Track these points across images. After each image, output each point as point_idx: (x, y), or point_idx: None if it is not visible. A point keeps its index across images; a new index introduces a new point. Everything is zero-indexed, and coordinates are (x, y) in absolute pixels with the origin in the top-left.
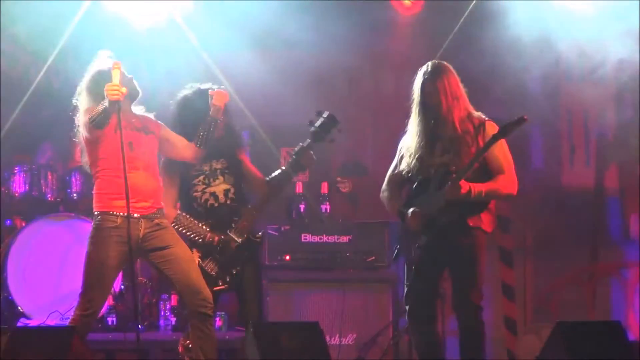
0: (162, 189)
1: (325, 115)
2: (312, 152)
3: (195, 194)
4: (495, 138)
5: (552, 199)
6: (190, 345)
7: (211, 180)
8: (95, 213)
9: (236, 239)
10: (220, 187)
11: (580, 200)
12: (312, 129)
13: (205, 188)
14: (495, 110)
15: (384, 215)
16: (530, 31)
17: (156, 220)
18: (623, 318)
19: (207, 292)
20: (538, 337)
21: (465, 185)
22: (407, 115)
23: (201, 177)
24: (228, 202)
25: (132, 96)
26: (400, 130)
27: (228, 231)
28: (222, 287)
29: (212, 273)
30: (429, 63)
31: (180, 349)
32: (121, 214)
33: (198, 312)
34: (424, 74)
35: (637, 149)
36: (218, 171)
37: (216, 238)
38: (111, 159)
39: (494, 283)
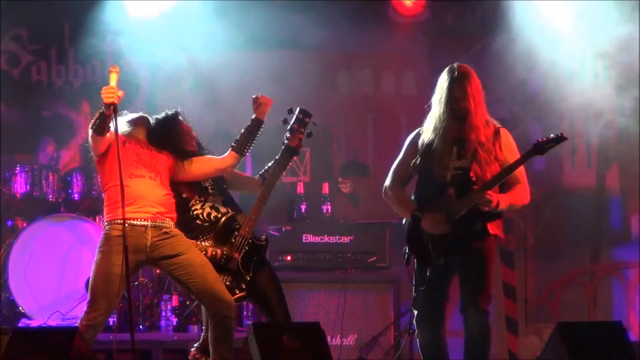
0: (172, 201)
1: (297, 111)
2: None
3: (195, 212)
4: (531, 154)
5: (554, 199)
6: (201, 359)
7: (206, 197)
8: (105, 223)
9: (240, 248)
10: (216, 200)
11: (581, 201)
12: (289, 126)
13: (203, 204)
14: (496, 110)
15: (386, 216)
16: (532, 32)
17: (165, 229)
18: (624, 318)
19: (227, 295)
20: (539, 338)
21: (495, 198)
22: (407, 116)
23: (195, 197)
24: (228, 211)
25: (145, 125)
26: (401, 130)
27: (232, 240)
28: (240, 294)
29: (227, 283)
30: (456, 66)
31: None
32: (128, 221)
33: (220, 315)
34: (453, 77)
35: (638, 149)
36: (208, 188)
37: (219, 252)
38: (116, 171)
39: (495, 283)
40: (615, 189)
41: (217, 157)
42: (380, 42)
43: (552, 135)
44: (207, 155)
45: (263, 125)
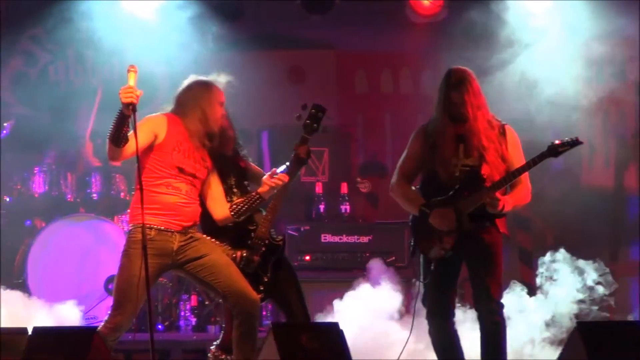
0: (199, 209)
1: (311, 106)
2: (308, 144)
3: None
4: (544, 156)
5: (572, 199)
6: (221, 357)
7: (231, 197)
8: (130, 226)
9: (258, 249)
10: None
11: (599, 201)
12: (303, 122)
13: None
14: (512, 111)
15: (404, 216)
16: (548, 32)
17: (190, 234)
18: None
19: (253, 293)
20: None
21: (501, 201)
22: (425, 116)
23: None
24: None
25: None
26: None
27: (249, 242)
28: (258, 296)
29: None
30: (453, 71)
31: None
32: (154, 226)
33: (246, 313)
34: (449, 83)
35: None
36: (233, 187)
37: (238, 254)
38: (152, 175)
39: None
40: (633, 189)
41: (224, 201)
42: (398, 41)
43: (567, 138)
44: (219, 189)
45: (263, 200)
